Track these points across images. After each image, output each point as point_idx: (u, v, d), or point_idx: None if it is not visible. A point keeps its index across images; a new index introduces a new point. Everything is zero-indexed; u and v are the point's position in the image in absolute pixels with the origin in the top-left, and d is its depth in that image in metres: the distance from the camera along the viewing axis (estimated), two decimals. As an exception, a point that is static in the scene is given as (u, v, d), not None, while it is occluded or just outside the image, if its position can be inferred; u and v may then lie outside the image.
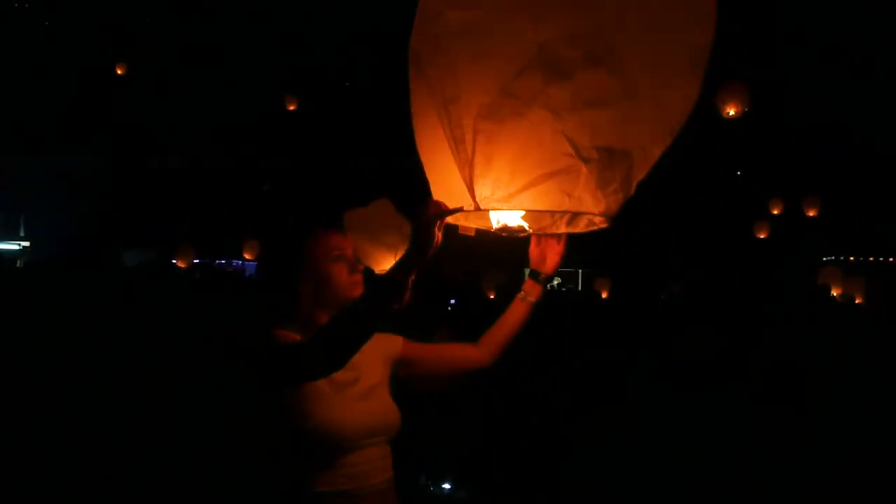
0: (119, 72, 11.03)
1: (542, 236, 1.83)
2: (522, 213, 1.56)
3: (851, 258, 15.79)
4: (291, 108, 11.28)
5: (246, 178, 16.00)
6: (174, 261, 11.32)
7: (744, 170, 14.68)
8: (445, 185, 1.49)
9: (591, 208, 1.43)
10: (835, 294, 8.93)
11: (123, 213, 16.41)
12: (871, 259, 16.22)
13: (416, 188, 1.55)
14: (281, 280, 1.71)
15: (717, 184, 14.34)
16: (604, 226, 1.60)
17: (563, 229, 1.73)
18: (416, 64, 1.49)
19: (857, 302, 8.68)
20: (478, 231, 1.65)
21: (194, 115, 14.26)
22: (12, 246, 19.22)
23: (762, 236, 11.39)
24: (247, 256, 11.73)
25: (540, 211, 1.61)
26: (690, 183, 14.14)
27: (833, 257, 14.72)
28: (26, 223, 19.84)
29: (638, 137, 1.40)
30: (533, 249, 1.89)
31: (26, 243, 19.43)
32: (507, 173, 1.38)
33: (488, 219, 1.61)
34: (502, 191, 1.40)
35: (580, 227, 1.70)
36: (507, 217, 1.56)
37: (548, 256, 1.88)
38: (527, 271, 1.98)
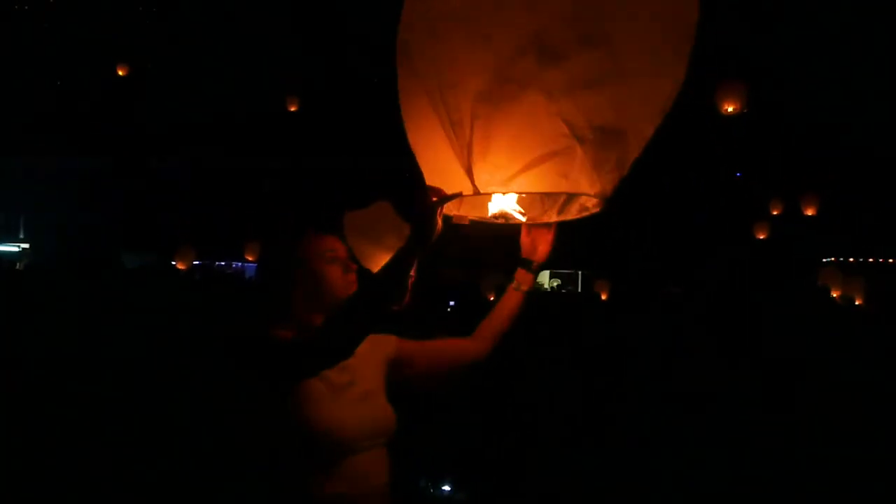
0: (120, 73, 11.04)
1: (532, 226, 1.84)
2: (517, 198, 1.58)
3: (851, 259, 15.78)
4: (293, 108, 11.29)
5: (246, 179, 16.01)
6: (174, 262, 11.33)
7: (744, 170, 14.68)
8: (441, 173, 1.50)
9: (587, 189, 1.46)
10: (835, 295, 8.94)
11: (123, 214, 16.41)
12: (871, 260, 16.21)
13: (416, 189, 1.56)
14: (276, 282, 1.72)
15: (716, 183, 14.34)
16: (596, 210, 1.62)
17: (554, 218, 1.75)
18: (405, 55, 1.50)
19: (857, 303, 8.69)
20: (472, 221, 1.66)
21: (194, 116, 14.26)
22: (12, 248, 19.23)
23: (762, 237, 11.40)
24: (248, 258, 11.73)
25: (538, 193, 1.64)
26: (690, 183, 14.15)
27: (833, 258, 14.71)
28: (26, 225, 19.85)
29: (631, 117, 1.43)
30: (524, 239, 1.89)
31: (26, 245, 19.44)
32: (504, 156, 1.41)
33: (482, 208, 1.63)
34: (501, 174, 1.42)
35: (572, 213, 1.71)
36: (502, 203, 1.58)
37: (538, 245, 1.88)
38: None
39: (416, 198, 1.49)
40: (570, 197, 1.68)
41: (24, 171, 16.86)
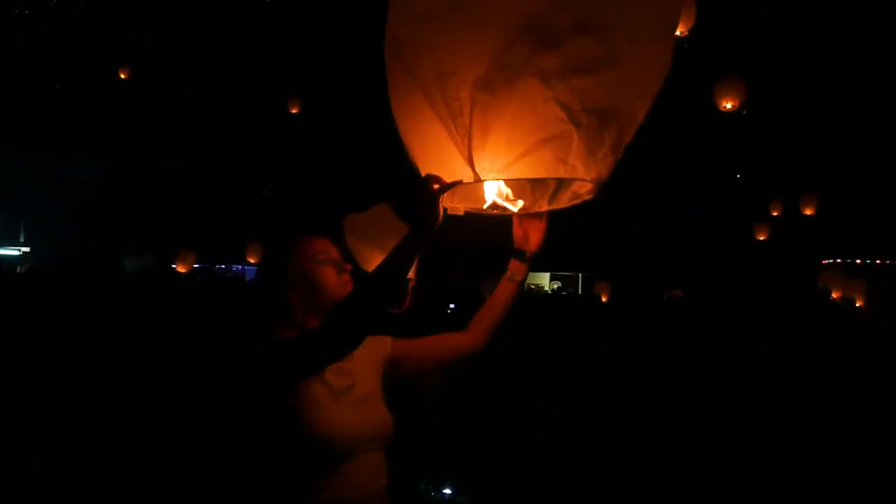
0: (123, 76, 11.04)
1: (524, 217, 1.84)
2: (510, 187, 1.60)
3: (858, 261, 15.75)
4: (294, 111, 11.30)
5: (246, 182, 15.99)
6: (174, 265, 11.34)
7: (744, 170, 14.65)
8: (439, 163, 1.51)
9: (583, 174, 1.49)
10: (835, 297, 8.94)
11: (123, 217, 16.40)
12: (870, 262, 16.18)
13: (415, 180, 1.56)
14: (274, 287, 1.72)
15: (714, 179, 14.31)
16: (588, 197, 1.64)
17: (545, 207, 1.76)
18: (395, 50, 1.52)
19: (857, 305, 8.69)
20: (466, 212, 1.68)
21: (194, 119, 14.26)
22: (13, 252, 19.24)
23: (762, 238, 11.39)
24: (250, 260, 11.72)
25: (529, 182, 1.66)
26: (687, 179, 14.13)
27: (833, 260, 14.69)
28: (26, 229, 19.86)
29: (624, 100, 1.46)
30: (516, 229, 1.90)
31: (26, 249, 19.45)
32: (504, 142, 1.43)
33: (476, 199, 1.64)
34: (501, 160, 1.44)
35: (563, 201, 1.72)
36: (497, 192, 1.60)
37: (531, 235, 1.88)
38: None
39: (416, 187, 1.49)
40: (560, 185, 1.70)
41: (24, 174, 16.86)
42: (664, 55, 1.48)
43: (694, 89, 7.64)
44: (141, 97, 13.29)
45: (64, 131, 14.89)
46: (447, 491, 4.15)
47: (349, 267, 1.76)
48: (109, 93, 13.03)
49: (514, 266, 1.93)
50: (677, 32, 5.81)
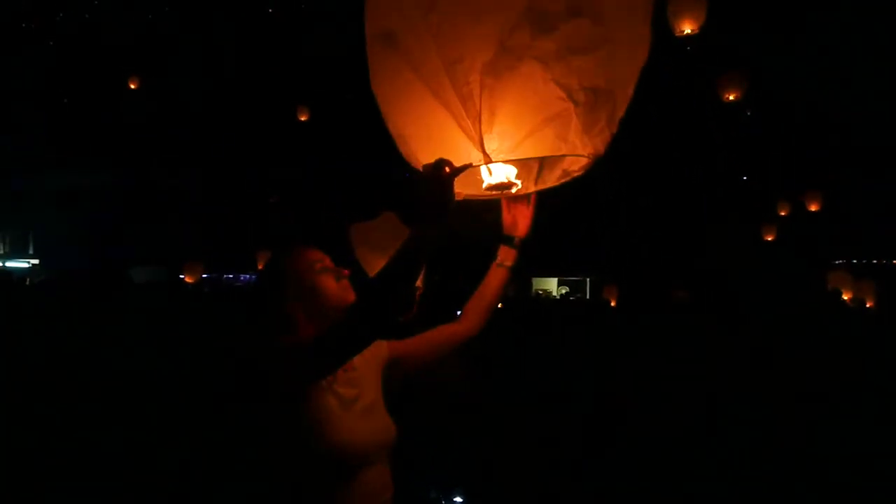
0: (132, 86, 11.10)
1: (511, 202, 1.89)
2: (513, 170, 1.67)
3: (865, 261, 15.70)
4: (303, 118, 11.31)
5: (253, 190, 16.04)
6: (182, 276, 11.39)
7: (748, 168, 14.60)
8: (444, 149, 1.54)
9: (582, 151, 1.57)
10: (846, 297, 8.92)
11: (131, 228, 16.48)
12: (875, 262, 16.12)
13: (423, 166, 1.56)
14: (273, 297, 1.71)
15: (716, 176, 14.27)
16: (579, 174, 1.70)
17: (532, 188, 1.80)
18: (388, 44, 1.56)
19: (868, 305, 8.66)
20: (465, 198, 1.70)
21: (200, 127, 14.32)
22: (22, 263, 19.37)
23: (770, 238, 11.37)
24: (260, 268, 11.75)
25: (529, 159, 1.71)
26: (689, 176, 14.11)
27: (843, 260, 14.63)
28: (35, 241, 19.99)
29: (617, 77, 1.56)
30: (505, 215, 1.94)
31: (35, 261, 19.58)
32: (510, 124, 1.50)
33: (473, 185, 1.68)
34: (508, 141, 1.52)
35: (551, 181, 1.78)
36: (498, 175, 1.65)
37: (519, 220, 1.93)
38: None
39: (425, 175, 1.49)
40: (542, 166, 1.77)
41: (32, 186, 16.98)
42: (646, 32, 1.58)
43: (697, 87, 7.67)
44: (147, 107, 13.35)
45: (71, 143, 14.99)
46: (458, 499, 4.14)
47: (346, 272, 1.76)
48: (116, 104, 13.10)
49: (504, 252, 1.97)
50: (688, 31, 5.89)
